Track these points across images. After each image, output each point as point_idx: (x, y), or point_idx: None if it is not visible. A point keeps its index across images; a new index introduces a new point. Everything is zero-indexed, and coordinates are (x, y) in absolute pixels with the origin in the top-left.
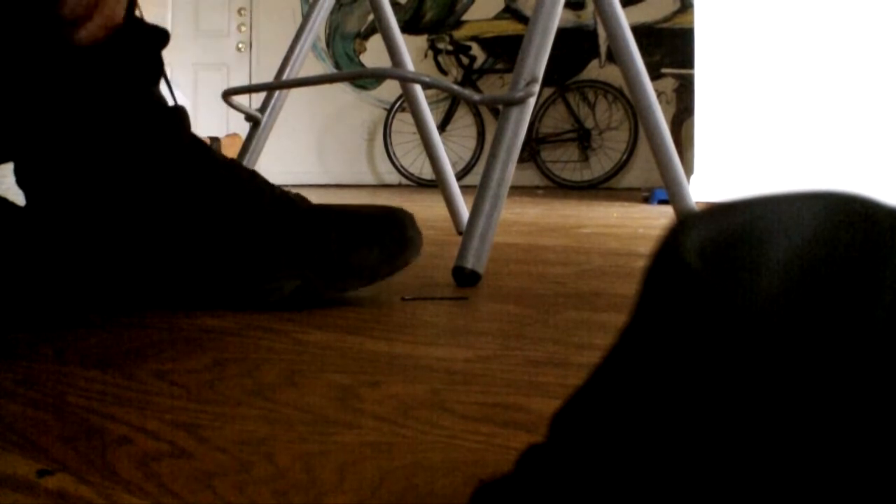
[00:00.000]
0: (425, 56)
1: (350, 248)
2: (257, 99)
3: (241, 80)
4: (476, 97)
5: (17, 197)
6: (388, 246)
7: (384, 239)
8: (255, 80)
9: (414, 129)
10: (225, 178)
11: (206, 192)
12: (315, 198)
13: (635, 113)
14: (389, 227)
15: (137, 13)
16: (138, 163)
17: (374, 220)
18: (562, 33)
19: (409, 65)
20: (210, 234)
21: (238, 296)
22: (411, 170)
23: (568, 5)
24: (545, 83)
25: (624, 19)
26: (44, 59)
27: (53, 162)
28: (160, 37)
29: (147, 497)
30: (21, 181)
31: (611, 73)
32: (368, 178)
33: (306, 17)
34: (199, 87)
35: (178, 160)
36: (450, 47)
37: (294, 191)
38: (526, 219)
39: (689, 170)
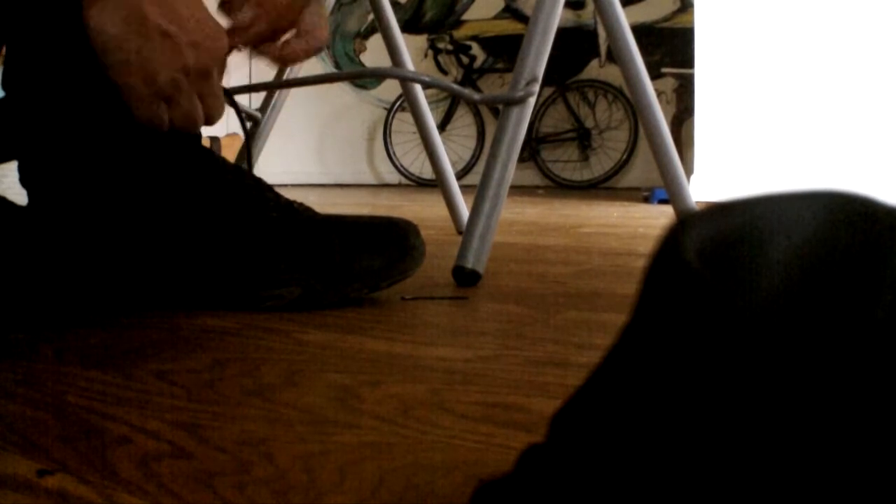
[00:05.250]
0: (425, 56)
1: (353, 255)
2: (257, 99)
3: (241, 80)
4: (476, 97)
5: (18, 197)
6: (390, 254)
7: (387, 247)
8: (255, 80)
9: (414, 128)
10: (230, 184)
11: (211, 196)
12: (315, 197)
13: (635, 113)
14: (392, 236)
15: None
16: (144, 165)
17: (378, 229)
18: (562, 33)
19: (409, 65)
20: (213, 238)
21: (240, 301)
22: (411, 170)
23: (568, 5)
24: (545, 83)
25: (624, 19)
26: (52, 61)
27: (58, 161)
28: None
29: (147, 497)
30: (25, 180)
31: (611, 73)
32: (368, 178)
33: None
34: None
35: (184, 164)
36: (450, 47)
37: (294, 191)
38: (526, 219)
39: (689, 170)
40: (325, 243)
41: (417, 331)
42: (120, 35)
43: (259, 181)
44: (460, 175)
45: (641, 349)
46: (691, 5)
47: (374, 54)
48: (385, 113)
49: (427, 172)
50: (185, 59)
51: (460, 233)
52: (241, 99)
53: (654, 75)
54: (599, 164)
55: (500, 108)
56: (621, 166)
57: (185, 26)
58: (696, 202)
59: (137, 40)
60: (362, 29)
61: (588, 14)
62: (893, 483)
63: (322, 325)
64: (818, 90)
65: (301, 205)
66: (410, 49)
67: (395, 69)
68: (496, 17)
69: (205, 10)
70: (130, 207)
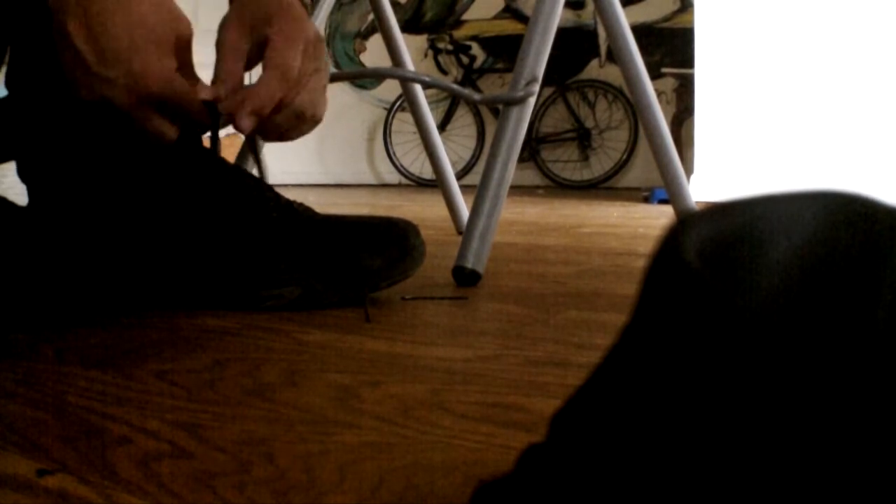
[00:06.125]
0: (425, 56)
1: (353, 256)
2: None
3: None
4: (476, 97)
5: (18, 197)
6: (390, 254)
7: (387, 247)
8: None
9: (414, 128)
10: (231, 184)
11: (211, 196)
12: (315, 197)
13: (635, 113)
14: (392, 236)
15: None
16: (143, 165)
17: (378, 229)
18: (562, 33)
19: (409, 65)
20: (213, 238)
21: (240, 301)
22: (411, 170)
23: (568, 5)
24: (545, 83)
25: (624, 19)
26: (54, 61)
27: (59, 161)
28: None
29: (147, 497)
30: (25, 179)
31: (611, 73)
32: (368, 178)
33: None
34: None
35: (184, 163)
36: (450, 47)
37: (294, 191)
38: (526, 219)
39: (689, 170)
40: (325, 243)
41: (417, 331)
42: (62, 43)
43: (259, 181)
44: (460, 175)
45: (641, 349)
46: (691, 5)
47: (374, 54)
48: (385, 113)
49: (427, 172)
50: (100, 90)
51: (460, 233)
52: None
53: (654, 75)
54: (599, 164)
55: (500, 108)
56: (621, 166)
57: (101, 58)
58: (696, 202)
59: (65, 53)
60: (362, 29)
61: (588, 14)
62: (893, 483)
63: (322, 325)
64: (818, 90)
65: (301, 205)
66: (410, 49)
67: (395, 69)
68: (496, 17)
69: (152, 45)
70: (130, 207)
